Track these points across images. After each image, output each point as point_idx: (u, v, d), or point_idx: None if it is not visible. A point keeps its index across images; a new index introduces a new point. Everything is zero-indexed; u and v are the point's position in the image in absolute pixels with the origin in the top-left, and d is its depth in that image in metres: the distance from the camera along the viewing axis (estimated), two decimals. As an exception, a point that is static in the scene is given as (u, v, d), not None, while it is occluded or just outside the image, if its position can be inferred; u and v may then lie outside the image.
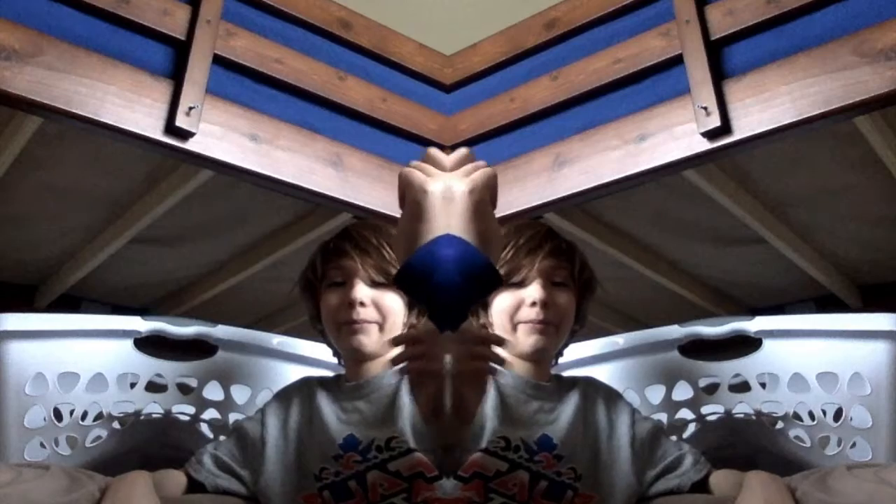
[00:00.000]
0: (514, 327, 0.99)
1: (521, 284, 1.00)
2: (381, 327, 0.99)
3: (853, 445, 1.18)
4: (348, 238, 1.05)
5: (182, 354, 1.28)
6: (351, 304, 0.99)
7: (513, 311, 0.99)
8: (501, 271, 0.95)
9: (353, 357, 1.01)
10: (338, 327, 1.01)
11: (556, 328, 1.00)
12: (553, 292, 0.99)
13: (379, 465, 0.89)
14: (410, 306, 1.01)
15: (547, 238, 1.04)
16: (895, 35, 1.18)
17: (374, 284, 1.00)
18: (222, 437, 1.26)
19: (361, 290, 0.99)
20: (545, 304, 0.98)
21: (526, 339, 0.98)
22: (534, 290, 0.98)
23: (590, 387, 1.02)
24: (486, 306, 1.02)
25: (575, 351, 1.12)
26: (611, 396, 1.01)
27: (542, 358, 1.01)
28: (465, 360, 0.83)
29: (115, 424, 1.24)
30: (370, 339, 0.99)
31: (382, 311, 0.99)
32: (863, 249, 1.93)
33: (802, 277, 2.00)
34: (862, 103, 1.20)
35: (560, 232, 1.06)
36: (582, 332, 1.10)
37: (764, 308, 2.20)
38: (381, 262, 1.01)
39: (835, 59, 1.24)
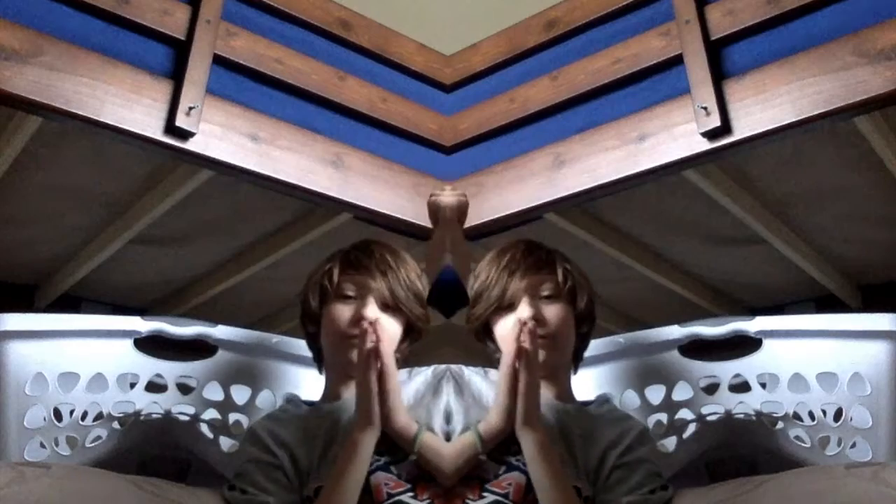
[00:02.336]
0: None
1: (513, 307, 1.03)
2: (378, 348, 1.00)
3: (853, 446, 1.18)
4: (370, 255, 1.06)
5: (182, 354, 1.28)
6: (361, 319, 1.00)
7: (514, 333, 1.00)
8: (492, 295, 1.05)
9: (345, 370, 1.02)
10: (342, 338, 1.02)
11: (553, 340, 1.01)
12: (543, 307, 1.02)
13: (383, 467, 0.92)
14: (405, 335, 1.06)
15: (525, 255, 1.06)
16: (895, 35, 1.18)
17: (382, 307, 1.03)
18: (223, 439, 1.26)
19: (373, 310, 1.02)
20: (535, 321, 0.99)
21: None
22: (521, 310, 1.01)
23: (601, 406, 1.04)
24: (491, 334, 1.06)
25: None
26: (621, 419, 1.03)
27: (551, 372, 1.03)
28: None
29: (115, 424, 1.24)
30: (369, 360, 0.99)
31: (381, 334, 1.00)
32: (863, 249, 1.93)
33: (802, 277, 2.00)
34: (862, 103, 1.20)
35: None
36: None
37: (764, 308, 2.20)
38: (395, 286, 1.04)
39: (835, 59, 1.24)
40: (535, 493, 0.90)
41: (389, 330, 1.02)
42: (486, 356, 1.10)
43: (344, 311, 1.02)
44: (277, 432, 0.98)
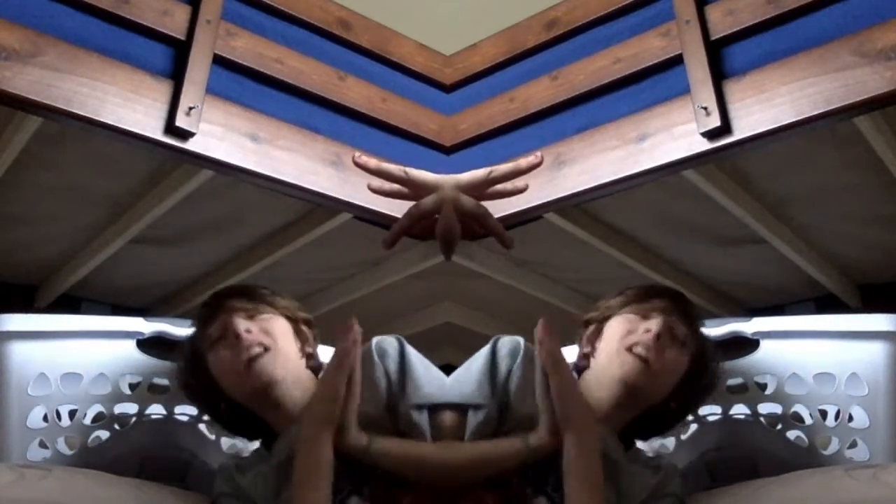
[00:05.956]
0: (618, 350, 0.97)
1: (645, 317, 0.99)
2: (272, 350, 0.97)
3: (852, 446, 1.18)
4: (214, 297, 1.06)
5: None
6: (237, 337, 0.95)
7: (625, 334, 0.97)
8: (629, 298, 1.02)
9: (267, 397, 0.97)
10: (238, 374, 0.97)
11: (656, 374, 0.95)
12: (669, 341, 0.96)
13: (355, 492, 0.90)
14: (296, 332, 1.03)
15: (686, 308, 1.03)
16: (895, 35, 1.18)
17: (250, 317, 0.99)
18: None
19: (240, 324, 0.97)
20: (658, 337, 0.94)
21: (624, 360, 0.95)
22: (655, 324, 0.96)
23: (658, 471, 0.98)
24: (600, 333, 1.02)
25: (576, 351, 1.12)
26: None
27: (628, 392, 0.96)
28: None
29: (117, 425, 1.24)
30: (272, 363, 0.96)
31: (270, 334, 0.98)
32: (863, 249, 1.93)
33: (802, 277, 2.00)
34: (862, 103, 1.20)
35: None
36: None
37: (764, 308, 2.21)
38: (251, 297, 1.03)
39: (835, 59, 1.24)
40: None
41: (274, 327, 1.00)
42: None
43: (221, 351, 0.97)
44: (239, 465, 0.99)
